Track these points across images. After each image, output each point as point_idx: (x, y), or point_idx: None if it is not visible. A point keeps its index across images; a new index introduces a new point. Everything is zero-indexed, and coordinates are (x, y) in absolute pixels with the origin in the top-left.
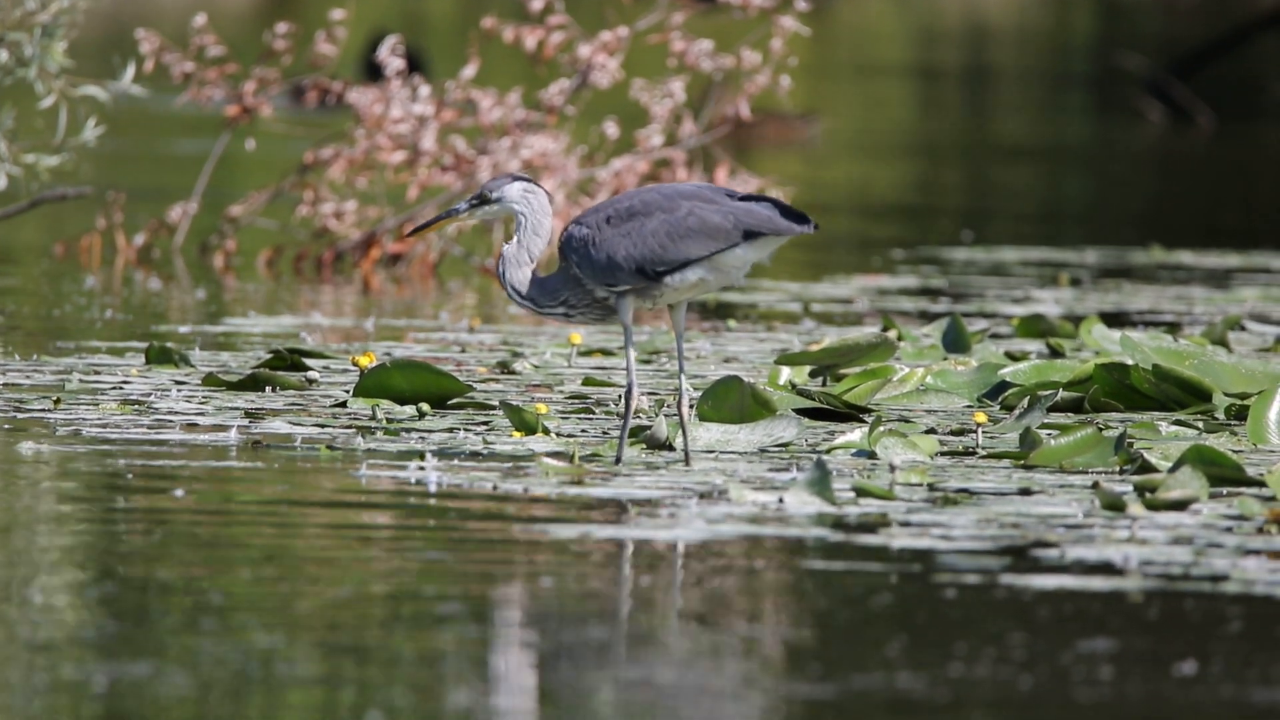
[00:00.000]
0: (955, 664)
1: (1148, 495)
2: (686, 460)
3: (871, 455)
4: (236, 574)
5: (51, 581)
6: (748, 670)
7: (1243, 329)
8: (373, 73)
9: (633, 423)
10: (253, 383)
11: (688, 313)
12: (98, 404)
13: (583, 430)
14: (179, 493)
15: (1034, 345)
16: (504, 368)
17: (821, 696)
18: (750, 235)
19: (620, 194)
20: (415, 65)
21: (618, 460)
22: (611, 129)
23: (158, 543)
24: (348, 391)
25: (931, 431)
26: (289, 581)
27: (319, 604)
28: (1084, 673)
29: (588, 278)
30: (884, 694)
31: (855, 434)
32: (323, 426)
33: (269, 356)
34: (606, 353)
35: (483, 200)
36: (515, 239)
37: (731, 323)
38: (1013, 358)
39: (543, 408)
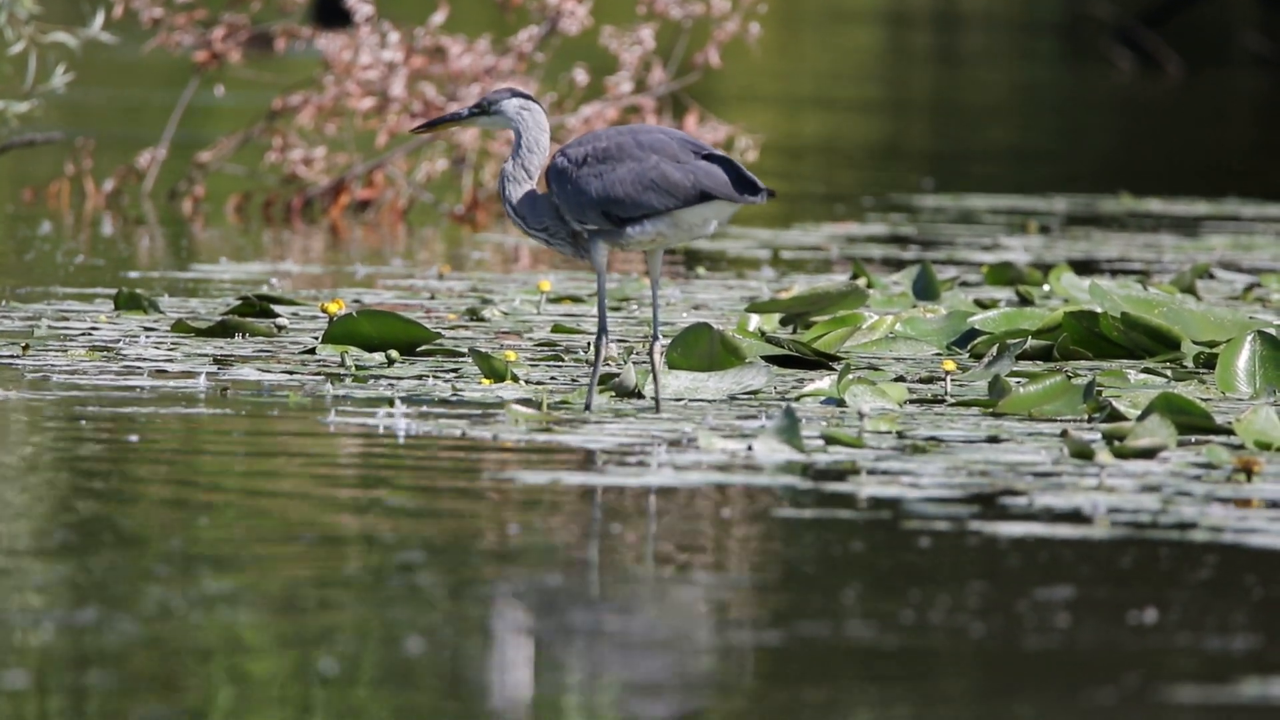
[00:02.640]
0: (919, 611)
1: (1116, 443)
2: (658, 407)
3: (840, 403)
4: (201, 521)
5: (10, 528)
6: (711, 618)
7: (1211, 277)
8: (323, 18)
9: (602, 370)
10: (221, 329)
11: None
12: (66, 350)
13: (552, 377)
14: (133, 438)
15: (1003, 293)
16: (473, 315)
17: (789, 644)
18: (706, 196)
19: (604, 130)
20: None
21: (587, 407)
22: (580, 76)
23: (124, 489)
24: (316, 338)
25: (900, 379)
26: (253, 528)
27: (282, 551)
28: (1040, 620)
29: (562, 208)
30: (848, 641)
31: (824, 382)
32: (291, 373)
33: (238, 303)
34: (576, 299)
35: (482, 110)
36: (513, 155)
37: (701, 270)
38: (982, 305)
39: (512, 355)
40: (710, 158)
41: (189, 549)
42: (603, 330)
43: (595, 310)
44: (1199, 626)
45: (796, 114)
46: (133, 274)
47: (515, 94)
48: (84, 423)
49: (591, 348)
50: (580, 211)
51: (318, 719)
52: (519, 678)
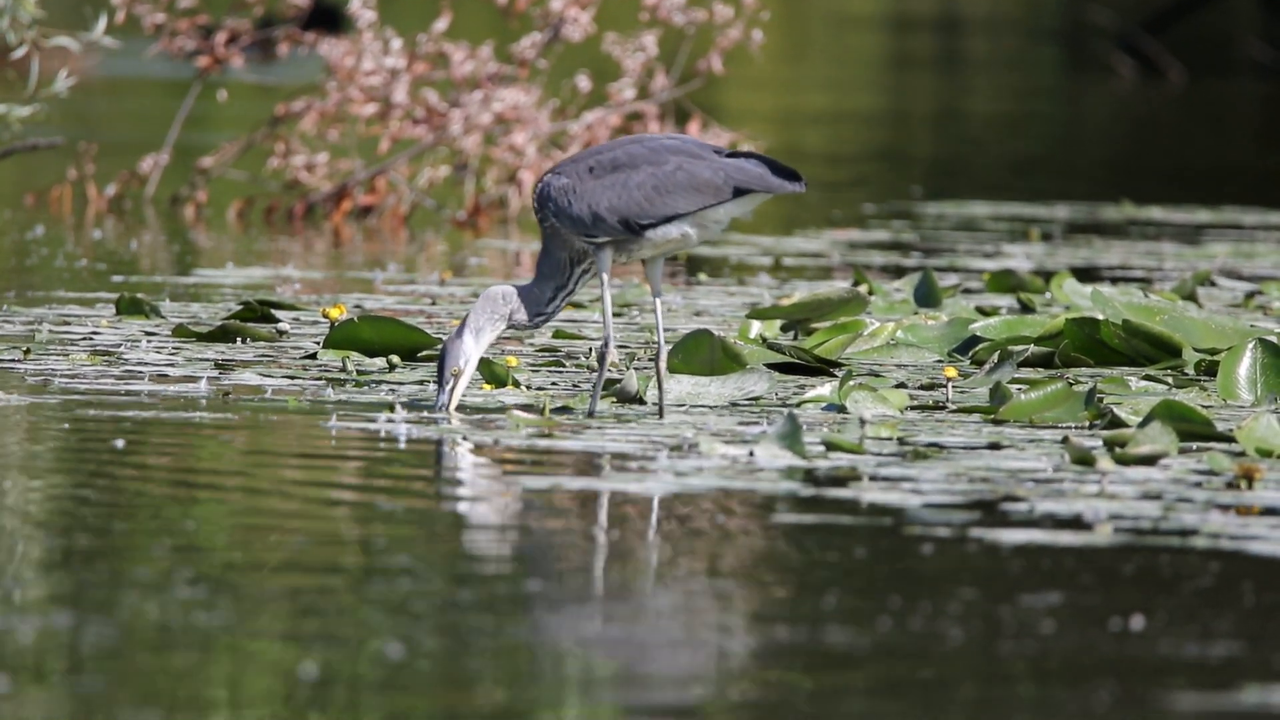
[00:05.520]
0: (920, 617)
1: (1117, 450)
2: (661, 414)
3: (842, 409)
4: (195, 525)
5: (5, 531)
6: (710, 624)
7: (1213, 284)
8: (315, 24)
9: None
10: (223, 334)
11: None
12: (68, 355)
13: (553, 383)
14: (133, 442)
15: (1005, 300)
16: None
17: (788, 650)
18: (740, 192)
19: (602, 144)
20: (332, 20)
21: (590, 413)
22: (583, 82)
23: (123, 493)
24: (318, 343)
25: (902, 386)
26: (253, 533)
27: (281, 555)
28: (1039, 626)
29: (565, 228)
30: (847, 647)
31: (826, 388)
32: (293, 378)
33: (239, 308)
34: (577, 305)
35: (455, 377)
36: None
37: (702, 276)
38: (983, 313)
39: (513, 360)
40: (734, 155)
41: (183, 553)
42: (608, 339)
43: (597, 316)
44: (1198, 633)
45: (799, 120)
46: (134, 279)
47: (459, 333)
48: (68, 426)
49: (594, 354)
50: (591, 226)
51: None
52: (514, 683)
